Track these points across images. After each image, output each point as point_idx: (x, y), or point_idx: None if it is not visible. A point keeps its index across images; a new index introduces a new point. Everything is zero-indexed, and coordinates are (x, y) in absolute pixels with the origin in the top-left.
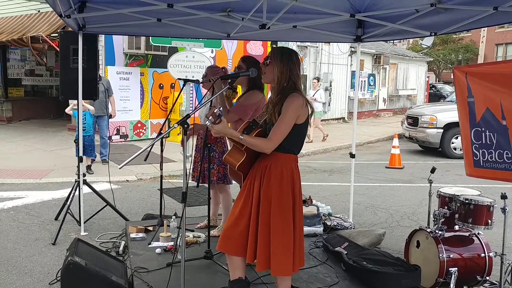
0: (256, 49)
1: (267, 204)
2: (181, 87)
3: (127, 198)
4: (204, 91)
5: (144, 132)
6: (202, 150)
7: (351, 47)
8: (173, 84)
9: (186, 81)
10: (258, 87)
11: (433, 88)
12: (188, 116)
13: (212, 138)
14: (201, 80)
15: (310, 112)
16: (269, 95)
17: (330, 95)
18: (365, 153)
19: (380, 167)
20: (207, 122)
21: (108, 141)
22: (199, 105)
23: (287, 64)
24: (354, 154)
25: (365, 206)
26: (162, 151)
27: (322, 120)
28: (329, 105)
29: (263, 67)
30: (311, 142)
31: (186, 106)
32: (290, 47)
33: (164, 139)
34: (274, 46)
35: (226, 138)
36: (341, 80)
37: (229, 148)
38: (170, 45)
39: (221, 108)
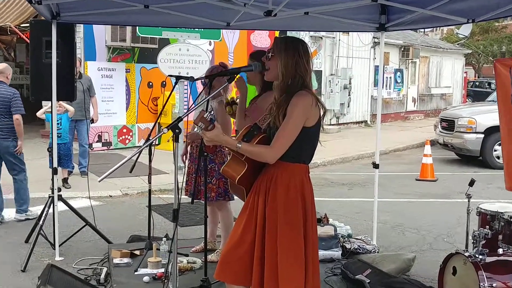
0: (262, 40)
1: (273, 223)
2: (173, 86)
3: (110, 216)
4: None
5: (130, 138)
6: (197, 160)
7: (374, 37)
8: (164, 82)
9: (179, 78)
10: (270, 87)
11: (478, 86)
12: (180, 119)
13: (210, 147)
14: (196, 78)
15: (322, 113)
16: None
17: (349, 95)
18: (391, 162)
19: (409, 179)
20: (196, 129)
21: (88, 149)
22: (193, 106)
23: (292, 56)
24: (378, 164)
25: (391, 226)
26: (150, 161)
27: (339, 124)
28: (348, 106)
29: (265, 61)
30: None
31: (179, 107)
32: (301, 38)
33: (153, 147)
34: (277, 36)
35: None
36: (362, 77)
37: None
38: (160, 36)
39: (212, 112)
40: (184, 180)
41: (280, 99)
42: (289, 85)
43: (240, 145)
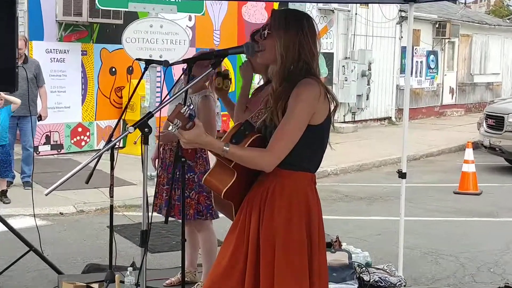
0: (257, 14)
1: (270, 247)
2: (142, 72)
3: (61, 239)
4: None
5: (87, 140)
6: (172, 167)
7: (400, 10)
8: (130, 68)
9: (149, 63)
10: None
11: None
12: (150, 115)
13: (188, 151)
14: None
15: (333, 108)
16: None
17: (368, 84)
18: (422, 170)
19: (446, 192)
20: (170, 127)
21: (34, 154)
22: (167, 98)
23: (295, 34)
24: (405, 173)
25: (422, 252)
26: (113, 168)
27: (356, 122)
28: (367, 99)
29: (259, 40)
30: None
31: (150, 100)
32: (306, 11)
33: (116, 150)
34: (275, 9)
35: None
36: (385, 61)
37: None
38: (126, 9)
39: (191, 106)
40: (155, 192)
41: (279, 89)
42: (291, 71)
43: (227, 148)
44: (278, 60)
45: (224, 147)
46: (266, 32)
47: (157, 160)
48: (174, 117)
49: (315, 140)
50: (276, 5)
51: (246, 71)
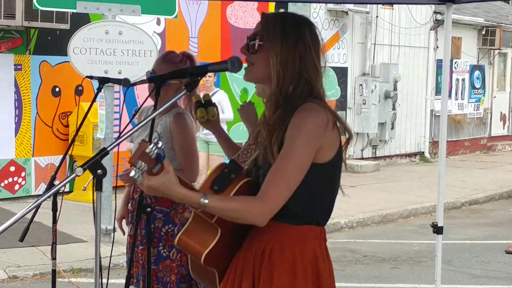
0: (247, 17)
1: None
2: (95, 93)
3: None
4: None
5: (23, 183)
6: (135, 221)
7: (435, 12)
8: (79, 88)
9: (105, 81)
10: None
11: None
12: (105, 152)
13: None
14: (135, 80)
15: (345, 140)
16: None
17: (393, 108)
18: (464, 223)
19: (496, 251)
20: (132, 173)
21: None
22: (128, 129)
23: (294, 45)
24: (442, 227)
25: None
26: (55, 221)
27: (378, 159)
28: (392, 128)
29: (245, 53)
30: None
31: (105, 131)
32: (310, 14)
33: (60, 197)
34: (267, 13)
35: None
36: (416, 79)
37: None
38: (74, 10)
39: (160, 144)
40: (127, 258)
41: (273, 117)
42: (289, 93)
43: (206, 201)
44: (273, 80)
45: (202, 200)
46: (257, 42)
47: (124, 220)
48: (137, 158)
49: (322, 182)
50: (271, 6)
51: (248, 114)
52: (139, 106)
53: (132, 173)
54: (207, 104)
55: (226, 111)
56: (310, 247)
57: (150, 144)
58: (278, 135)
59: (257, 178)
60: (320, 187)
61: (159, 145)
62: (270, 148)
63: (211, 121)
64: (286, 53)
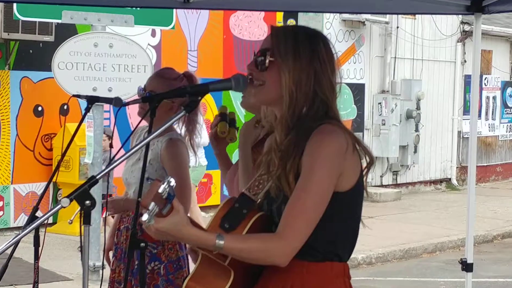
0: (252, 28)
1: None
2: (82, 114)
3: None
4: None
5: (0, 213)
6: (126, 257)
7: (462, 22)
8: (65, 107)
9: (93, 100)
10: None
11: None
12: (94, 180)
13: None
14: (127, 99)
15: (367, 163)
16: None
17: (416, 130)
18: (497, 259)
19: None
20: (144, 217)
21: None
22: (119, 156)
23: (309, 62)
24: (472, 264)
25: None
26: (38, 257)
27: (399, 186)
28: (415, 152)
29: (254, 71)
30: None
31: (94, 155)
32: (323, 25)
33: (43, 230)
34: (276, 26)
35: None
36: (441, 97)
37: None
38: (59, 21)
39: (172, 182)
40: None
41: (285, 142)
42: (302, 114)
43: (222, 243)
44: (285, 100)
45: (218, 241)
46: (267, 59)
47: (111, 252)
48: (150, 200)
49: (344, 213)
50: (279, 16)
51: (247, 136)
52: (132, 130)
53: (144, 217)
54: (230, 123)
55: (203, 135)
56: (333, 286)
57: (163, 183)
58: (294, 163)
59: (271, 212)
60: (343, 218)
61: (171, 184)
62: (285, 177)
63: (224, 142)
64: (300, 70)
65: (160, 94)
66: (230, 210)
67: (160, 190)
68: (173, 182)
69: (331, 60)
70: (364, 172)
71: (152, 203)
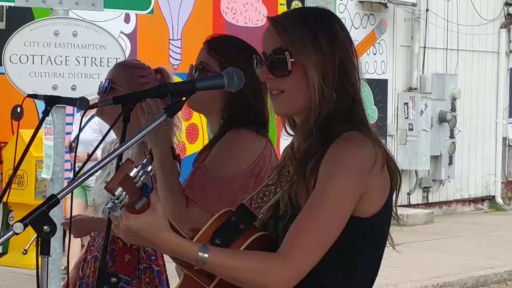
0: (249, 12)
1: None
2: (40, 119)
3: None
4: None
5: None
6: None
7: (507, 4)
8: (18, 109)
9: (53, 101)
10: (248, 119)
11: None
12: (54, 200)
13: (123, 258)
14: (94, 100)
15: (396, 181)
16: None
17: (452, 136)
18: None
19: None
20: (108, 204)
21: None
22: (86, 169)
23: (331, 48)
24: None
25: None
26: None
27: (430, 205)
28: (450, 164)
29: (270, 79)
30: None
31: (53, 168)
32: (335, 7)
33: None
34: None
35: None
36: (482, 95)
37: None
38: (12, 4)
39: (149, 168)
40: None
41: (304, 147)
42: (329, 116)
43: (205, 255)
44: (313, 102)
45: (200, 254)
46: (288, 61)
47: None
48: (117, 183)
49: (365, 244)
50: None
51: (164, 135)
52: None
53: (108, 204)
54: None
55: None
56: None
57: (136, 166)
58: (311, 173)
59: (276, 232)
60: (362, 249)
61: (148, 170)
62: (304, 185)
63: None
64: (324, 62)
65: (134, 94)
66: (225, 223)
67: (131, 174)
68: (150, 167)
69: (351, 43)
70: (396, 191)
71: (120, 188)
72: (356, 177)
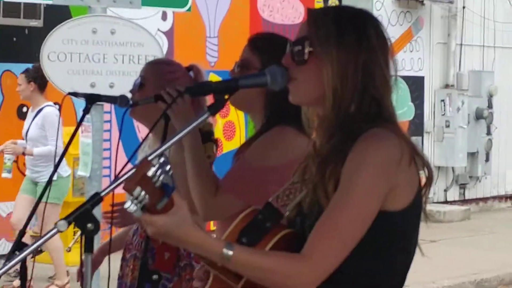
0: (286, 10)
1: None
2: (81, 117)
3: None
4: (141, 128)
5: None
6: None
7: None
8: (57, 107)
9: (93, 99)
10: (290, 117)
11: None
12: (98, 198)
13: (162, 257)
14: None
15: (425, 178)
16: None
17: (489, 133)
18: None
19: None
20: (127, 204)
21: None
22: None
23: (357, 50)
24: None
25: None
26: None
27: (466, 202)
28: (487, 160)
29: (291, 65)
30: None
31: (90, 165)
32: (372, 5)
33: (31, 260)
34: (311, 9)
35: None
36: None
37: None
38: (50, 2)
39: (167, 167)
40: None
41: (326, 147)
42: (350, 115)
43: (230, 253)
44: (327, 97)
45: (225, 250)
46: (306, 49)
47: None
48: (135, 183)
49: (392, 238)
50: None
51: (184, 112)
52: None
53: (126, 205)
54: (205, 136)
55: (50, 141)
56: None
57: (154, 165)
58: (334, 170)
59: (303, 229)
60: (390, 245)
61: (167, 169)
62: (323, 186)
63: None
64: (345, 61)
65: (177, 91)
66: (252, 222)
67: (149, 174)
68: (169, 166)
69: (384, 47)
70: (424, 190)
71: (138, 188)
72: (380, 172)
